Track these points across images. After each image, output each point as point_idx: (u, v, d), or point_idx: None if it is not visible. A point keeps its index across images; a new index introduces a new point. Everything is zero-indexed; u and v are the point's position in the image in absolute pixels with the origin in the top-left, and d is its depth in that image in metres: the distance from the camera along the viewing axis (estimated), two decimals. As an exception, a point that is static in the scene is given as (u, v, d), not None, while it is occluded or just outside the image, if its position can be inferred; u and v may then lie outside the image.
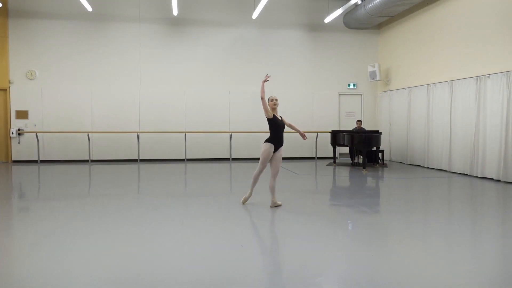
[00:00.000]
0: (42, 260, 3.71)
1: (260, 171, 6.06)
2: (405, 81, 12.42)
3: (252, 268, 3.58)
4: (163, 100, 12.59)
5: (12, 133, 11.81)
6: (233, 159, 12.85)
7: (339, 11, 11.66)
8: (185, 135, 12.45)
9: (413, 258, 3.86)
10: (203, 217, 5.45)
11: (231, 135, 12.77)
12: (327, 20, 12.44)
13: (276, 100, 6.01)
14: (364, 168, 10.37)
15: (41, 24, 12.02)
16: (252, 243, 4.38)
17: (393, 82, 13.15)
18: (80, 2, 11.20)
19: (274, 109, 6.00)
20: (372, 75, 13.24)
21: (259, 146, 12.82)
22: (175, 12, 11.76)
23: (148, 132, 12.33)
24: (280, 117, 6.11)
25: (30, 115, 12.01)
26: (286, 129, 6.16)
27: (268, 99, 6.01)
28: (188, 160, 12.56)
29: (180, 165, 11.58)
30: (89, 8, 11.14)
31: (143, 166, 11.41)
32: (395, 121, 12.77)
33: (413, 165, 11.81)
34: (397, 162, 12.67)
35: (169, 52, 12.69)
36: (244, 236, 4.56)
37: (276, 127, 5.96)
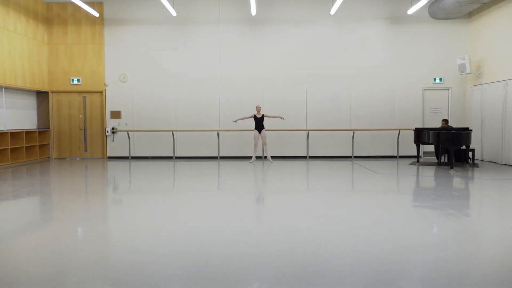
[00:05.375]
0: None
1: (256, 145, 11.66)
2: (500, 73, 11.35)
3: (329, 265, 3.55)
4: (241, 99, 12.91)
5: (107, 132, 12.97)
6: (310, 157, 12.78)
7: (423, 1, 11.01)
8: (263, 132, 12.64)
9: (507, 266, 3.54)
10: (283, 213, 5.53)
11: (308, 132, 12.71)
12: (411, 11, 11.81)
13: (258, 107, 11.66)
14: (451, 168, 9.69)
15: (131, 30, 13.00)
16: (331, 242, 4.33)
17: (486, 74, 12.09)
18: (165, 8, 11.93)
19: (258, 112, 11.55)
20: (462, 68, 12.29)
21: (336, 143, 12.69)
22: (253, 12, 12.01)
23: (227, 130, 12.74)
24: (262, 115, 11.57)
25: (122, 115, 13.08)
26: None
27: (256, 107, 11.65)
28: (265, 157, 12.74)
29: (256, 162, 11.79)
30: (173, 13, 11.90)
31: (223, 163, 11.84)
32: (488, 117, 11.73)
33: (509, 165, 10.77)
34: (490, 162, 11.65)
35: (247, 52, 12.97)
36: (322, 236, 4.53)
37: (256, 121, 11.49)
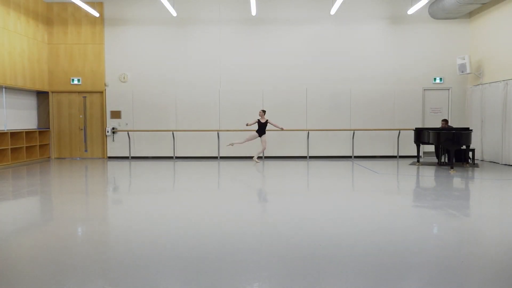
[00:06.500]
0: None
1: (245, 142, 11.59)
2: (500, 73, 11.35)
3: (329, 265, 3.55)
4: (242, 99, 12.91)
5: (108, 132, 12.96)
6: (310, 157, 12.77)
7: (423, 1, 11.00)
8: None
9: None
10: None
11: (308, 132, 12.71)
12: (411, 11, 11.81)
13: (263, 112, 11.50)
14: (451, 168, 9.68)
15: (131, 30, 12.99)
16: (331, 241, 4.33)
17: (486, 74, 12.09)
18: (165, 8, 11.93)
19: (262, 117, 11.39)
20: (462, 68, 12.29)
21: (336, 143, 12.68)
22: (253, 12, 12.00)
23: (227, 130, 12.74)
24: (266, 120, 11.42)
25: (122, 115, 13.08)
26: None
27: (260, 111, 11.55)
28: (265, 158, 12.73)
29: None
30: (173, 13, 11.90)
31: (223, 163, 11.83)
32: (488, 117, 11.73)
33: (509, 165, 10.77)
34: (490, 162, 11.64)
35: (247, 52, 12.96)
36: (323, 236, 4.53)
37: (260, 126, 11.37)
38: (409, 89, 12.99)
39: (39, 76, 12.55)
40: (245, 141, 11.58)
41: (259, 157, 12.00)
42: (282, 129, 11.68)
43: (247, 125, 11.48)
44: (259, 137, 11.51)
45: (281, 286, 3.15)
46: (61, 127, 13.24)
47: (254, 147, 12.11)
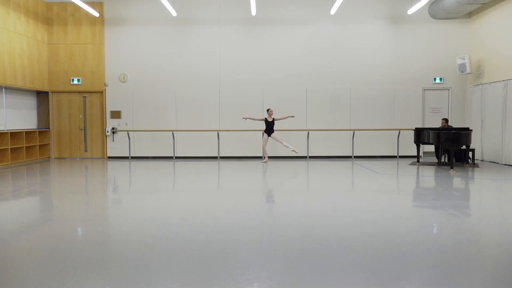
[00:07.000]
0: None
1: (263, 147, 11.60)
2: (500, 73, 11.36)
3: (329, 265, 3.55)
4: (241, 99, 12.91)
5: (107, 132, 12.96)
6: (310, 157, 12.77)
7: (423, 1, 11.00)
8: (263, 133, 12.63)
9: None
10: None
11: (308, 132, 12.71)
12: (411, 11, 11.81)
13: (270, 110, 11.46)
14: (451, 168, 9.68)
15: (131, 30, 13.00)
16: (331, 241, 4.33)
17: (486, 74, 12.09)
18: (165, 8, 11.93)
19: (270, 115, 11.38)
20: (462, 68, 12.29)
21: (336, 143, 12.68)
22: (253, 12, 12.00)
23: (227, 130, 12.74)
24: (273, 118, 11.40)
25: (122, 115, 13.07)
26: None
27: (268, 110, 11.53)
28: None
29: (255, 162, 11.79)
30: (173, 13, 11.90)
31: (223, 163, 11.83)
32: (488, 117, 11.73)
33: (509, 165, 10.77)
34: (490, 162, 11.65)
35: (247, 52, 12.97)
36: (322, 236, 4.53)
37: (267, 125, 11.41)
38: (409, 89, 12.99)
39: (39, 76, 12.55)
40: (264, 147, 11.61)
41: (264, 157, 11.89)
42: (293, 117, 11.79)
43: (246, 118, 11.57)
44: (269, 137, 11.46)
45: (281, 286, 3.15)
46: (61, 127, 13.24)
47: (255, 147, 12.10)
